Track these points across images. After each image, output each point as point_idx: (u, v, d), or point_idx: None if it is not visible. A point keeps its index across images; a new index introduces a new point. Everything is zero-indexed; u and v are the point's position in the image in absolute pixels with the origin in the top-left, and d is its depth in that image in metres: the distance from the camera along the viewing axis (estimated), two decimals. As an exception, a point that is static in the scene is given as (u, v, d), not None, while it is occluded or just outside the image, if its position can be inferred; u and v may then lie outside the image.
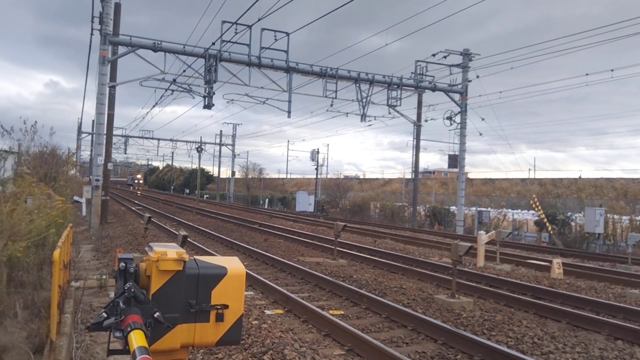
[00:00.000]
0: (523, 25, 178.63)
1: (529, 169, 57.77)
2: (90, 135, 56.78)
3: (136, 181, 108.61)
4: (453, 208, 34.29)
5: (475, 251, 14.97)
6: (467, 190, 34.72)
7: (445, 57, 28.55)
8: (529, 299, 10.05)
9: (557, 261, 14.03)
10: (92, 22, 22.55)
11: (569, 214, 28.71)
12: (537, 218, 29.29)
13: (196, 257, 2.31)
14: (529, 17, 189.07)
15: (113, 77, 24.05)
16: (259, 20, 14.66)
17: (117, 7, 23.59)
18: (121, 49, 23.47)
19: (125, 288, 2.00)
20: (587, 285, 12.53)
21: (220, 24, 21.23)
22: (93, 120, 45.17)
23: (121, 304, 1.95)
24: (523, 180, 57.05)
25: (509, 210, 35.95)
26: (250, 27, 21.60)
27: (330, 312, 8.75)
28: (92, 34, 22.88)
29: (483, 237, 15.29)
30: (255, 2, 12.37)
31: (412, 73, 27.83)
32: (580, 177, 54.11)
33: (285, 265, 13.50)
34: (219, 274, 2.25)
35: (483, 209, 33.90)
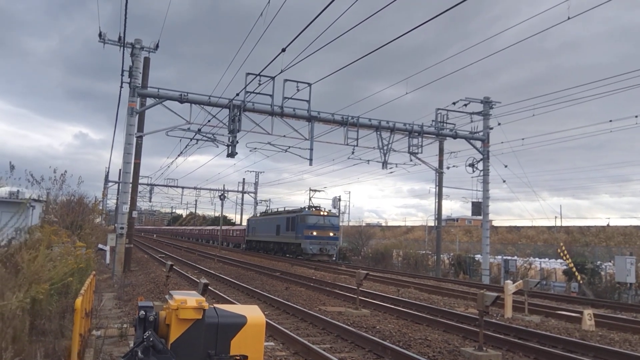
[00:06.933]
0: (533, 76, 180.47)
1: (555, 217, 56.65)
2: (116, 184, 58.00)
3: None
4: (478, 256, 33.56)
5: (503, 301, 14.52)
6: (492, 238, 34.05)
7: (465, 105, 28.74)
8: (560, 352, 9.65)
9: (588, 312, 13.50)
10: (122, 75, 23.54)
11: (598, 262, 27.84)
12: (565, 267, 28.43)
13: (216, 305, 2.29)
14: (538, 67, 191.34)
15: (140, 128, 24.80)
16: (282, 72, 15.12)
17: (146, 61, 24.61)
18: (149, 101, 24.30)
19: (144, 337, 1.99)
20: (620, 337, 12.01)
21: (244, 76, 21.90)
22: (120, 169, 46.25)
23: (139, 353, 1.93)
24: (549, 228, 55.83)
25: (536, 259, 34.99)
26: (273, 78, 22.24)
27: (353, 364, 8.50)
28: (121, 87, 23.88)
29: (510, 286, 14.86)
30: (278, 55, 12.80)
31: (432, 121, 28.03)
32: (608, 225, 52.83)
33: (307, 314, 13.26)
34: (239, 323, 2.22)
35: (509, 257, 33.11)
